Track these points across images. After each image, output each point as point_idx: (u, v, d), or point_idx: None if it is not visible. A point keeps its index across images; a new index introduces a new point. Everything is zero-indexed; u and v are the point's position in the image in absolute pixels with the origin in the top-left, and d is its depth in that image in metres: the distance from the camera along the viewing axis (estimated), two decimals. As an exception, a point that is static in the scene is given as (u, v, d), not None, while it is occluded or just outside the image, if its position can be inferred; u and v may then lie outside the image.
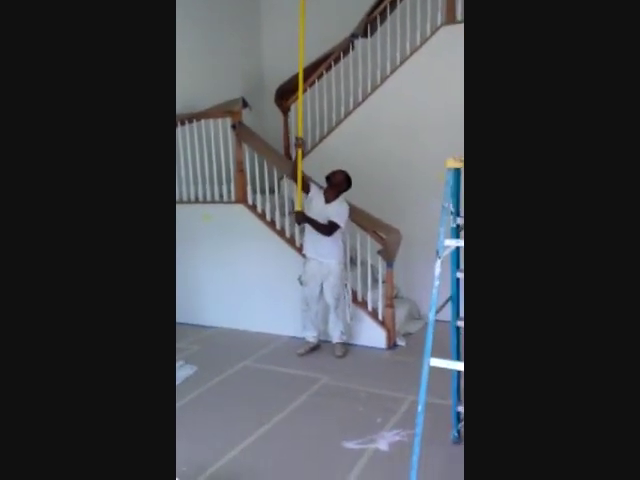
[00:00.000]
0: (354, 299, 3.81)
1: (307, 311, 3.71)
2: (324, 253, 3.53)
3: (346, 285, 3.64)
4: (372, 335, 3.76)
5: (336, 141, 4.62)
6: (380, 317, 3.77)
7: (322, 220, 3.45)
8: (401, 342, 3.80)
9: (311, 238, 3.55)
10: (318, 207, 3.51)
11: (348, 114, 4.59)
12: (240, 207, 4.15)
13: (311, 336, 3.74)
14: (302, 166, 3.43)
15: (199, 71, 4.74)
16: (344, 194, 3.59)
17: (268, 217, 4.11)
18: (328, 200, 3.53)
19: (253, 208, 4.14)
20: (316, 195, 3.56)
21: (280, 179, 4.43)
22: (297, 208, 3.44)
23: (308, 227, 3.53)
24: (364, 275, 3.88)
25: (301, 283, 3.68)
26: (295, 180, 3.46)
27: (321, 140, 4.75)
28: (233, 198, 4.21)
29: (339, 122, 4.65)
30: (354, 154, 4.46)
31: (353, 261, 4.07)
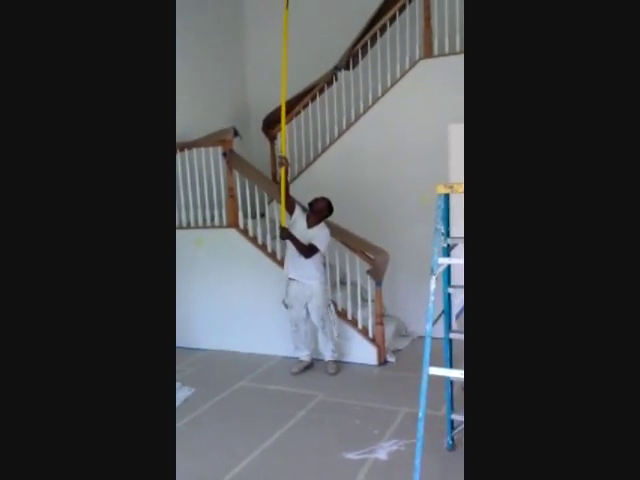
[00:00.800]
0: (344, 318, 3.97)
1: (296, 332, 3.84)
2: (305, 274, 3.67)
3: (329, 305, 3.78)
4: (363, 352, 3.91)
5: (322, 167, 4.83)
6: (370, 335, 3.92)
7: (304, 242, 3.61)
8: (391, 358, 3.96)
9: (292, 260, 3.69)
10: (301, 230, 3.66)
11: (333, 142, 4.82)
12: (232, 231, 4.29)
13: (304, 355, 3.87)
14: (287, 185, 3.58)
15: (188, 101, 4.90)
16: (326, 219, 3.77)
17: (259, 240, 4.26)
18: (310, 225, 3.69)
19: (244, 232, 4.29)
20: (299, 218, 3.72)
21: (270, 203, 4.59)
22: (282, 224, 3.61)
23: (290, 249, 3.68)
24: (354, 294, 4.04)
25: (286, 306, 3.80)
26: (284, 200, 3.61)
27: (307, 166, 4.95)
28: (225, 223, 4.35)
29: (324, 149, 4.87)
30: (339, 179, 4.68)
31: (342, 281, 4.23)
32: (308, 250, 3.59)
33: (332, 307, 3.80)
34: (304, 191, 4.40)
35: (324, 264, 3.87)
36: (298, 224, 3.69)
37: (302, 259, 3.61)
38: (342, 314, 4.00)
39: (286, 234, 3.58)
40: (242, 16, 5.79)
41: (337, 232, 3.96)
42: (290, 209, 3.68)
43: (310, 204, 3.72)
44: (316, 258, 3.65)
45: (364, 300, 4.15)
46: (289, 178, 5.02)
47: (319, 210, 3.68)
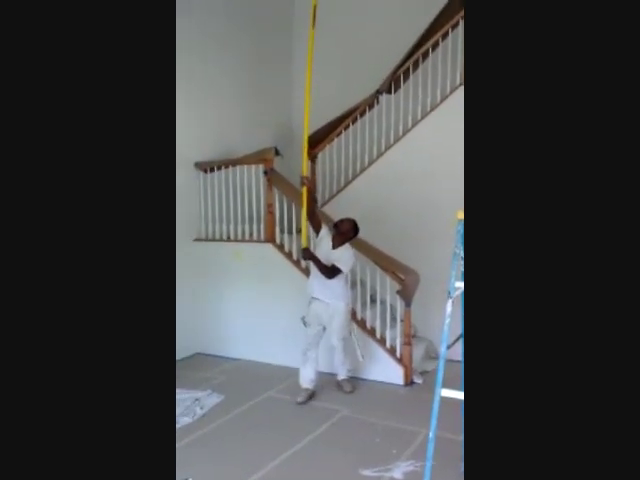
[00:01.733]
0: (372, 336, 4.02)
1: (308, 352, 3.71)
2: (332, 294, 3.62)
3: (352, 327, 3.73)
4: (390, 372, 3.93)
5: (360, 186, 4.94)
6: (398, 354, 3.95)
7: (327, 263, 3.56)
8: (418, 380, 3.96)
9: (319, 279, 3.61)
10: (325, 250, 3.63)
11: (372, 162, 4.92)
12: (269, 246, 4.44)
13: (309, 381, 3.70)
14: (310, 203, 3.56)
15: (236, 122, 5.18)
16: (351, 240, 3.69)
17: (294, 256, 4.39)
18: (335, 245, 3.63)
19: (281, 247, 4.43)
20: (325, 237, 3.67)
21: (306, 220, 4.72)
22: (303, 244, 3.59)
23: (314, 268, 3.64)
24: (383, 314, 4.09)
25: (304, 324, 3.74)
26: (309, 219, 3.62)
27: (347, 185, 5.08)
28: (262, 237, 4.52)
29: (363, 169, 4.98)
30: (377, 197, 4.78)
31: (373, 299, 4.29)
32: (330, 271, 3.54)
33: (355, 328, 3.78)
34: (344, 207, 4.53)
35: (355, 282, 3.92)
36: (324, 243, 3.66)
37: (330, 281, 3.57)
38: (370, 332, 4.06)
39: (308, 255, 3.54)
40: (290, 41, 6.03)
41: (369, 250, 4.03)
42: (317, 227, 3.69)
43: (335, 225, 3.69)
44: (342, 278, 3.64)
45: (393, 319, 4.18)
46: (326, 196, 5.20)
47: (344, 231, 3.63)
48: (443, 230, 4.45)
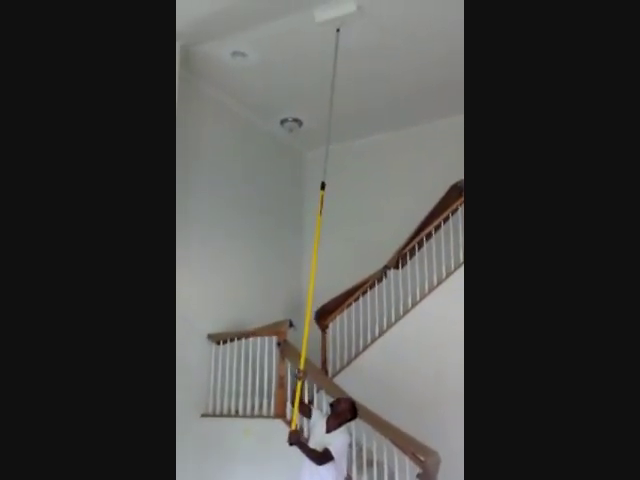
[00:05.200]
0: (393, 528, 3.64)
1: None
2: None
3: None
4: None
5: (371, 356, 4.94)
6: None
7: (321, 449, 3.18)
8: None
9: (310, 467, 3.21)
10: (320, 435, 3.36)
11: (382, 333, 5.00)
12: (279, 422, 4.27)
13: None
14: (300, 395, 3.40)
15: (248, 293, 5.40)
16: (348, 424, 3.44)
17: (306, 433, 4.19)
18: (329, 429, 3.29)
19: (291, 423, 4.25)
20: (319, 421, 3.41)
21: (318, 392, 4.62)
22: (292, 427, 3.29)
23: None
24: (403, 501, 3.77)
25: None
26: (300, 409, 3.43)
27: (357, 355, 5.08)
28: (272, 412, 4.37)
29: (374, 339, 5.03)
30: (387, 370, 4.73)
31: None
32: (320, 457, 3.14)
33: None
34: (355, 377, 4.48)
35: (370, 462, 3.64)
36: (317, 427, 3.38)
37: (321, 468, 3.18)
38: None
39: (295, 439, 3.18)
40: (301, 214, 6.46)
41: (385, 428, 3.87)
42: (307, 414, 3.47)
43: (331, 404, 3.45)
44: (332, 469, 3.18)
45: (414, 508, 3.83)
46: (337, 366, 5.18)
47: (340, 412, 3.34)
48: (458, 404, 4.32)
